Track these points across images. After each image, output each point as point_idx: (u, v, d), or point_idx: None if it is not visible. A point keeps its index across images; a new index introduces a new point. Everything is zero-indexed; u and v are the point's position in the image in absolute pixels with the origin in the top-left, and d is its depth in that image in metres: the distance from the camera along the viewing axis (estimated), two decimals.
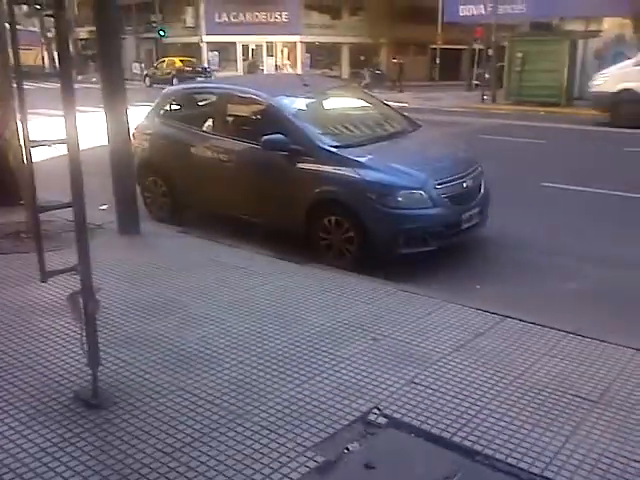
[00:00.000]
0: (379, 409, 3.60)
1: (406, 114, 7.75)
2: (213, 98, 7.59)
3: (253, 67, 40.49)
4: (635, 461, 3.12)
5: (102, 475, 3.00)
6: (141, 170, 7.92)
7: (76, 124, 3.47)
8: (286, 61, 43.30)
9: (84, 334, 3.63)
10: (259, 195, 6.71)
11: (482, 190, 6.58)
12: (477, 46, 31.20)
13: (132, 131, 8.08)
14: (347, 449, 3.28)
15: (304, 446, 3.26)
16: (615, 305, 5.38)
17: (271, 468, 3.09)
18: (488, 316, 4.87)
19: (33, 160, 3.54)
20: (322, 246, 6.26)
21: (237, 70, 42.34)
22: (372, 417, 3.53)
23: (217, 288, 5.40)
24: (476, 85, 29.37)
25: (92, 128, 9.23)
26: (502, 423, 3.46)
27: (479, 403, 3.65)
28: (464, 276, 6.06)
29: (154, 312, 4.92)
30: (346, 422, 3.49)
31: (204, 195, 7.37)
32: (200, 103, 7.98)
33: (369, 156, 6.22)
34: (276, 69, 41.88)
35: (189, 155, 7.32)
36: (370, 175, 5.98)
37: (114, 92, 6.69)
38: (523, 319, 4.79)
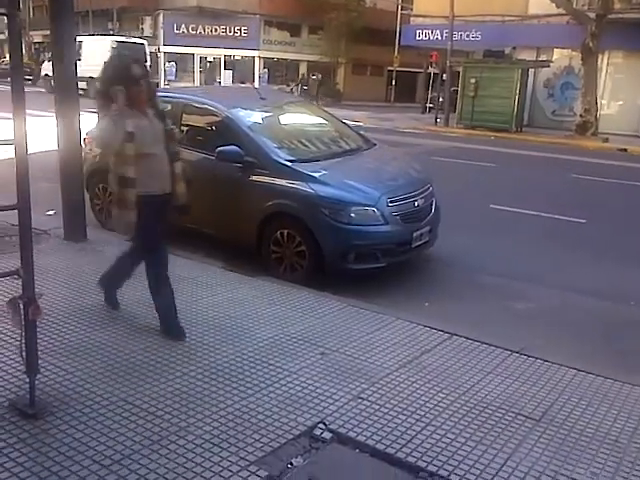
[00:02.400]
0: (325, 424, 3.57)
1: (361, 132, 7.80)
2: (169, 107, 7.49)
3: (210, 79, 40.36)
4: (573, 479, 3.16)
5: None
6: (91, 177, 7.76)
7: (25, 126, 3.37)
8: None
9: (23, 341, 3.51)
10: (211, 206, 6.64)
11: (433, 209, 6.65)
12: (432, 70, 31.78)
13: (83, 137, 7.95)
14: (291, 464, 3.24)
15: (247, 460, 3.21)
16: (559, 325, 5.49)
17: None
18: (435, 333, 4.91)
19: None
20: (273, 259, 6.23)
21: (194, 81, 42.09)
22: (317, 432, 3.50)
23: None
24: (430, 108, 29.85)
25: (44, 132, 9.02)
26: (446, 440, 3.47)
27: (424, 419, 3.66)
28: (413, 293, 6.10)
29: (97, 321, 4.81)
30: (291, 436, 3.44)
31: None
32: None
33: (323, 171, 6.23)
34: (233, 82, 41.80)
35: None
36: (323, 190, 5.98)
37: (67, 97, 6.57)
38: (469, 337, 4.84)
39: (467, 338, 4.83)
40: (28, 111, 3.43)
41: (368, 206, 5.99)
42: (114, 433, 3.38)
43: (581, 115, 21.53)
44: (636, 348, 5.09)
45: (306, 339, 4.67)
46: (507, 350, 4.64)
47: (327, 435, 3.48)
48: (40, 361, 3.71)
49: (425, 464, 3.25)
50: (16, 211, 3.46)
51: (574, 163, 15.73)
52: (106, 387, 3.86)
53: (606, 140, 20.68)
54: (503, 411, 3.78)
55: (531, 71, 23.48)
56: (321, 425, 3.56)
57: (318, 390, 3.93)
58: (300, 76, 41.65)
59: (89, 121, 8.07)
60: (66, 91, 6.57)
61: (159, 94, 8.36)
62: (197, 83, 41.36)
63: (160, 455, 3.21)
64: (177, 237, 6.96)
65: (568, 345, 5.04)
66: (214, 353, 4.37)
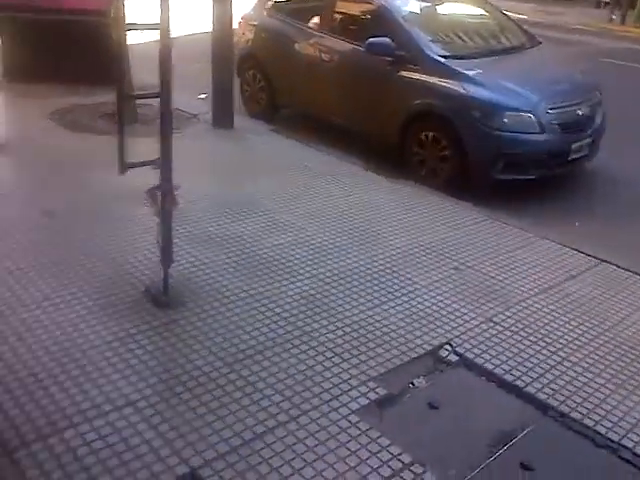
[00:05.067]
0: (451, 345, 3.41)
1: (525, 27, 7.09)
2: None
3: None
4: None
5: (160, 378, 2.98)
6: (242, 62, 7.72)
7: (168, 10, 3.26)
8: None
9: (159, 230, 3.57)
10: (356, 101, 6.40)
11: (597, 119, 6.01)
12: None
13: (238, 20, 7.85)
14: (412, 384, 3.13)
15: (368, 375, 3.13)
16: None
17: (330, 394, 2.98)
18: (583, 258, 4.53)
19: (134, 42, 3.36)
20: (415, 162, 5.95)
21: None
22: (443, 353, 3.35)
23: (301, 194, 5.24)
24: (605, 3, 26.91)
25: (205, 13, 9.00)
26: (582, 379, 3.20)
27: (560, 353, 3.40)
28: (564, 211, 5.63)
29: (235, 213, 4.83)
30: (415, 355, 3.32)
31: (301, 95, 7.11)
32: None
33: (479, 70, 5.76)
34: None
35: (291, 51, 7.02)
36: (476, 91, 5.55)
37: None
38: (621, 266, 4.42)
39: (618, 266, 4.41)
40: None
41: (524, 112, 5.50)
42: (240, 330, 3.41)
43: None
44: None
45: (440, 251, 4.45)
46: None
47: (453, 358, 3.32)
48: (177, 249, 3.80)
49: (557, 403, 3.02)
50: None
51: None
52: (237, 281, 3.89)
53: None
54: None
55: None
56: (447, 346, 3.40)
57: (448, 308, 3.75)
58: None
59: (245, 3, 7.98)
60: None
61: None
62: None
63: (282, 358, 3.20)
64: (322, 131, 6.87)
65: None
66: (345, 257, 4.28)
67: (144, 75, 4.02)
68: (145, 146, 3.63)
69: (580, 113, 5.70)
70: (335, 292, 3.86)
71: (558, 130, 5.57)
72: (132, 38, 3.82)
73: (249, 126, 7.11)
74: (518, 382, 3.15)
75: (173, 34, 3.32)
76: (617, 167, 6.62)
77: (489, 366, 3.26)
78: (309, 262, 4.18)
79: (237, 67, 7.80)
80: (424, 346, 3.39)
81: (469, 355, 3.34)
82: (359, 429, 2.77)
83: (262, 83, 7.50)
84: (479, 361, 3.30)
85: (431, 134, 5.78)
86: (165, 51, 3.35)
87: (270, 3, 7.54)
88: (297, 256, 4.25)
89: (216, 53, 6.63)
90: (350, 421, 2.82)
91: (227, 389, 2.96)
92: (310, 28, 6.94)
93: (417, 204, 5.22)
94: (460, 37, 6.51)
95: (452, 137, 5.65)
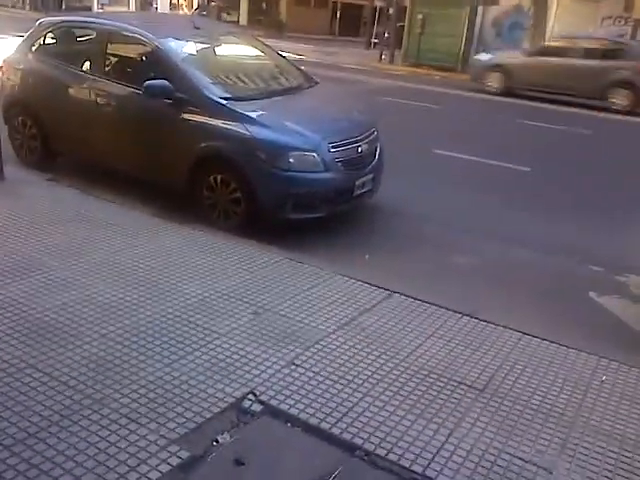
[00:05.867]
0: (255, 394, 3.29)
1: (302, 68, 7.33)
2: (95, 34, 6.84)
3: (145, 4, 38.13)
4: (519, 458, 2.99)
5: None
6: (10, 108, 7.15)
7: None
8: (182, 1, 41.14)
9: None
10: (139, 146, 6.15)
11: (377, 155, 6.32)
12: (379, 3, 30.89)
13: (0, 64, 7.27)
14: (216, 441, 2.96)
15: (168, 438, 2.91)
16: (502, 282, 5.32)
17: (128, 466, 2.72)
18: (376, 290, 4.66)
19: None
20: (206, 206, 5.82)
21: (129, 7, 39.84)
22: (247, 404, 3.23)
23: (84, 248, 4.88)
24: (375, 43, 29.07)
25: None
26: (384, 413, 3.25)
27: (361, 389, 3.42)
28: (353, 245, 5.82)
29: (9, 273, 4.36)
30: (217, 409, 3.16)
31: (79, 141, 6.69)
32: (80, 39, 7.15)
33: (261, 112, 5.80)
34: (170, 9, 39.71)
35: (64, 96, 6.58)
36: (261, 133, 5.56)
37: None
38: (411, 295, 4.62)
39: (408, 296, 4.60)
40: None
41: (308, 151, 5.61)
42: (20, 406, 3.03)
43: None
44: (580, 307, 4.97)
45: (238, 296, 4.35)
46: (449, 310, 4.43)
47: (257, 407, 3.21)
48: None
49: (361, 441, 3.02)
50: None
51: (519, 107, 15.57)
52: (14, 350, 3.48)
53: None
54: (445, 380, 3.58)
55: (480, 9, 23.01)
56: (250, 396, 3.28)
57: (249, 355, 3.64)
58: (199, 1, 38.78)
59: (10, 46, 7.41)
60: None
61: (83, 19, 7.78)
62: (132, 9, 39.09)
63: (70, 433, 2.89)
64: (107, 178, 6.51)
65: (511, 304, 4.88)
66: (137, 312, 4.01)
67: None
68: None
69: (360, 150, 5.94)
70: (127, 351, 3.59)
71: (341, 167, 5.76)
72: None
73: (22, 177, 6.55)
74: (323, 424, 3.12)
75: None
76: (395, 201, 7.00)
77: (294, 411, 3.19)
78: (97, 322, 3.86)
79: (3, 114, 7.20)
80: (226, 399, 3.24)
81: (273, 402, 3.25)
82: None
83: (33, 130, 6.96)
84: (284, 407, 3.22)
85: (220, 177, 5.70)
86: None
87: (37, 45, 7.06)
88: (83, 316, 3.91)
89: None
90: None
91: (6, 476, 2.58)
92: (83, 71, 6.56)
93: (210, 249, 5.09)
94: (240, 78, 6.54)
95: (241, 179, 5.61)
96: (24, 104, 7.02)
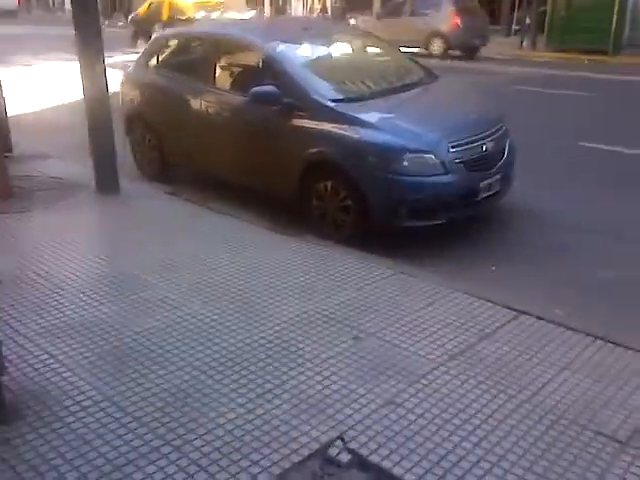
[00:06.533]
0: (343, 440, 2.84)
1: (420, 62, 6.75)
2: (205, 44, 6.70)
3: (280, 9, 38.40)
4: None
5: None
6: (129, 122, 7.19)
7: None
8: (317, 4, 41.16)
9: None
10: (249, 156, 5.89)
11: (506, 153, 5.64)
12: None
13: (120, 80, 7.34)
14: None
15: None
16: None
17: None
18: (501, 311, 4.04)
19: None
20: (316, 215, 5.45)
21: (264, 12, 40.36)
22: (333, 452, 2.77)
23: (186, 263, 4.65)
24: (516, 30, 27.48)
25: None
26: (499, 469, 2.67)
27: (473, 437, 2.86)
28: (478, 257, 5.18)
29: (104, 293, 4.21)
30: (299, 458, 2.73)
31: (192, 153, 6.57)
32: (192, 50, 7.06)
33: (372, 112, 5.33)
34: (305, 12, 39.77)
35: (178, 107, 6.48)
36: (372, 135, 5.10)
37: (88, 40, 5.88)
38: (541, 317, 3.95)
39: (539, 318, 3.94)
40: None
41: (425, 152, 5.07)
42: (87, 446, 2.77)
43: None
44: None
45: (339, 317, 3.90)
46: (589, 335, 3.73)
47: (344, 457, 2.74)
48: (28, 344, 3.21)
49: None
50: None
51: None
52: (94, 381, 3.26)
53: None
54: (579, 427, 2.94)
55: None
56: (338, 442, 2.83)
57: (342, 391, 3.18)
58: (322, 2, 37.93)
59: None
60: (87, 32, 5.86)
61: (193, 31, 7.71)
62: (266, 13, 39.58)
63: (144, 474, 2.58)
64: (223, 190, 6.32)
65: None
66: (228, 335, 3.69)
67: None
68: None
69: (485, 149, 5.31)
70: (211, 383, 3.26)
71: (463, 169, 5.16)
72: None
73: (140, 190, 6.50)
74: None
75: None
76: (530, 203, 6.25)
77: (387, 464, 2.69)
78: (184, 347, 3.57)
79: (125, 128, 7.25)
80: (310, 444, 2.81)
81: (364, 451, 2.77)
82: None
83: (152, 142, 6.94)
84: (375, 458, 2.73)
85: (329, 184, 5.30)
86: None
87: (153, 59, 7.04)
88: (170, 340, 3.64)
89: (91, 116, 6.07)
90: None
91: None
92: (196, 82, 6.42)
93: (315, 264, 4.69)
94: (351, 79, 6.08)
95: (351, 186, 5.18)
96: (142, 117, 7.02)
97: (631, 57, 18.81)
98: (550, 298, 4.35)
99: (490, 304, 4.12)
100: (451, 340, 3.68)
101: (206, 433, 2.88)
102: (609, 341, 3.67)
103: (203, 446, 2.79)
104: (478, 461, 2.71)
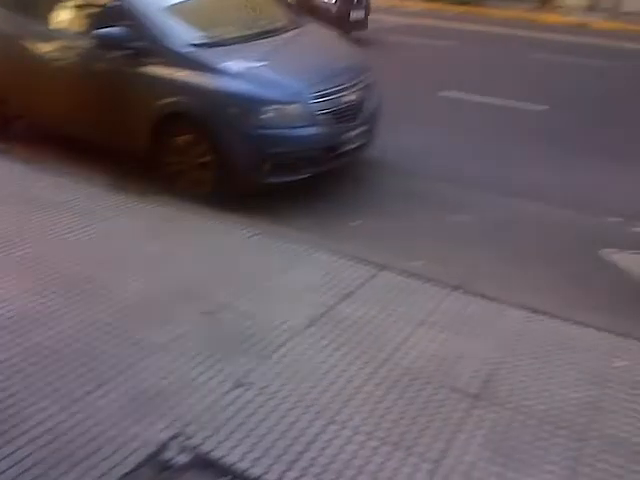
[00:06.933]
0: (181, 438, 2.51)
1: (288, 5, 6.31)
2: None
3: None
4: None
5: None
6: None
7: None
8: None
9: None
10: (93, 106, 5.30)
11: (371, 104, 5.38)
12: None
13: None
14: None
15: None
16: (513, 247, 4.48)
17: None
18: (362, 268, 3.85)
19: None
20: (171, 173, 5.01)
21: None
22: (168, 454, 2.44)
23: (15, 235, 4.09)
24: None
25: None
26: (353, 445, 2.47)
27: (327, 413, 2.65)
28: (341, 211, 4.96)
29: None
30: (126, 469, 2.34)
31: (31, 102, 5.82)
32: None
33: (233, 60, 4.92)
34: None
35: (13, 49, 5.71)
36: (232, 84, 4.72)
37: None
38: (402, 269, 3.85)
39: (397, 272, 3.82)
40: None
41: (288, 103, 4.75)
42: None
43: None
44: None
45: (192, 290, 3.55)
46: (446, 287, 3.66)
47: (182, 459, 2.41)
48: None
49: None
50: None
51: (539, 41, 13.76)
52: None
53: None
54: (435, 384, 2.84)
55: None
56: (175, 441, 2.49)
57: (184, 378, 2.84)
58: None
59: None
60: None
61: None
62: None
63: None
64: (61, 149, 5.69)
65: (519, 275, 4.05)
66: (54, 323, 3.20)
67: None
68: None
69: (350, 99, 5.03)
70: (24, 385, 2.77)
71: (328, 120, 4.88)
72: None
73: None
74: (270, 476, 2.35)
75: None
76: (393, 154, 6.02)
77: (231, 459, 2.41)
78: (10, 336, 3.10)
79: None
80: (142, 450, 2.44)
81: (205, 447, 2.47)
82: None
83: None
84: (217, 454, 2.44)
85: (186, 138, 4.88)
86: None
87: None
88: None
89: None
90: None
91: None
92: (33, 22, 5.69)
93: (169, 228, 4.29)
94: (214, 23, 5.58)
95: (210, 140, 4.78)
96: None
97: (492, 8, 18.84)
98: (409, 250, 4.25)
99: (352, 262, 3.92)
100: (311, 304, 3.44)
101: (12, 452, 2.43)
102: (466, 291, 3.62)
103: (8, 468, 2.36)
104: (333, 438, 2.50)
